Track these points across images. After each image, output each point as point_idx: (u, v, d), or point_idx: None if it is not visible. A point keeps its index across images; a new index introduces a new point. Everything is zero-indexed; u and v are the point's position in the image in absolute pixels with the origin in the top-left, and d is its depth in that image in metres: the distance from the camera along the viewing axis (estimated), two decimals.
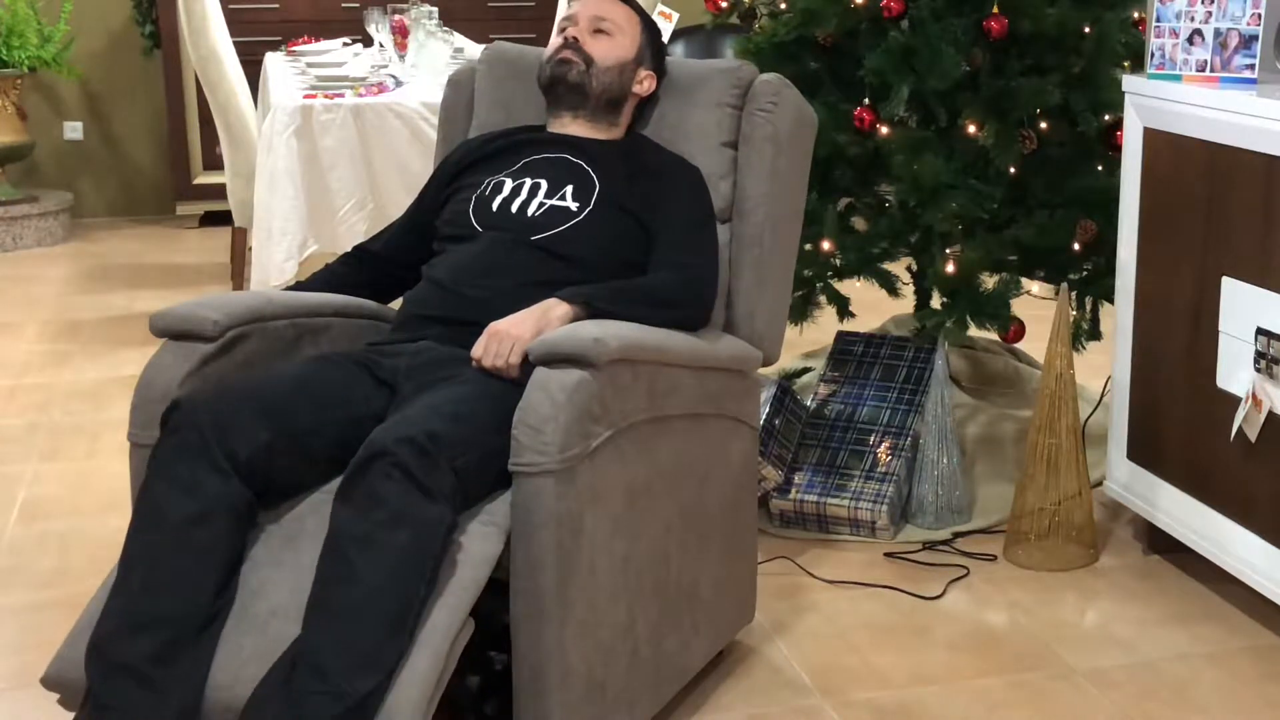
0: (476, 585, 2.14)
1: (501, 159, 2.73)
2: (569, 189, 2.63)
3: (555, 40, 2.77)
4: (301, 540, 2.20)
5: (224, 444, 2.16)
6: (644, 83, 2.78)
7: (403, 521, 2.06)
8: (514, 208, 2.62)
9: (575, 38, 2.72)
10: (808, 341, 3.97)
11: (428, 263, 2.66)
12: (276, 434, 2.21)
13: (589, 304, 2.41)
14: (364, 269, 2.80)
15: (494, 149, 2.77)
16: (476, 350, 2.36)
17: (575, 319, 2.38)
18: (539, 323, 2.36)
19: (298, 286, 2.79)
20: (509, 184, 2.66)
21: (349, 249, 2.90)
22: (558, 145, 2.72)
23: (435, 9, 5.12)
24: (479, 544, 2.16)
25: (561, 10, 2.84)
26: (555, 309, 2.39)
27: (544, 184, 2.64)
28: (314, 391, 2.32)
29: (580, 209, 2.61)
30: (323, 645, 2.02)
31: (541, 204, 2.62)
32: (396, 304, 2.80)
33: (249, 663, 2.08)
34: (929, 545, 3.28)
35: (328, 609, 2.05)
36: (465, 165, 2.77)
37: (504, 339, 2.34)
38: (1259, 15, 2.87)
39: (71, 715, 2.16)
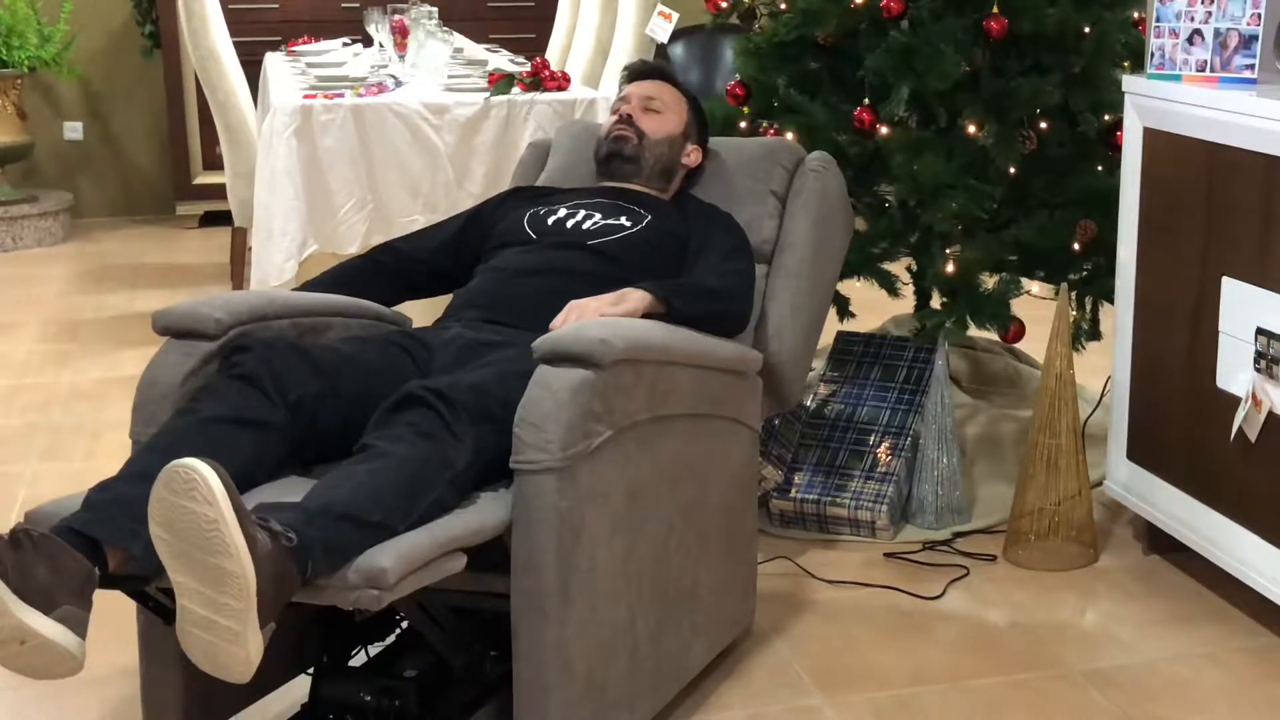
0: (481, 532, 2.14)
1: (554, 196, 2.94)
2: (622, 217, 2.83)
3: (610, 119, 3.03)
4: None
5: (279, 383, 2.25)
6: (691, 155, 3.04)
7: (431, 439, 2.14)
8: (569, 224, 2.82)
9: (629, 114, 3.00)
10: None
11: (478, 265, 2.81)
12: (325, 389, 2.30)
13: (665, 294, 2.55)
14: (385, 268, 2.90)
15: (546, 190, 3.01)
16: (556, 321, 2.45)
17: (650, 306, 2.51)
18: (616, 301, 2.49)
19: (312, 283, 2.82)
20: (564, 209, 2.86)
21: (349, 249, 2.95)
22: (609, 192, 2.93)
23: (435, 9, 5.12)
24: (492, 505, 2.20)
25: (615, 92, 3.12)
26: (633, 291, 2.53)
27: (598, 214, 2.83)
28: (358, 366, 2.39)
29: (633, 226, 2.81)
30: (336, 485, 2.05)
31: (595, 222, 2.81)
32: (400, 307, 2.83)
33: None
34: (929, 545, 3.28)
35: (347, 471, 2.09)
36: (515, 199, 2.98)
37: (584, 310, 2.46)
38: (1259, 15, 2.87)
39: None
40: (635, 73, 3.15)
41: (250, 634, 1.88)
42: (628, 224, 2.81)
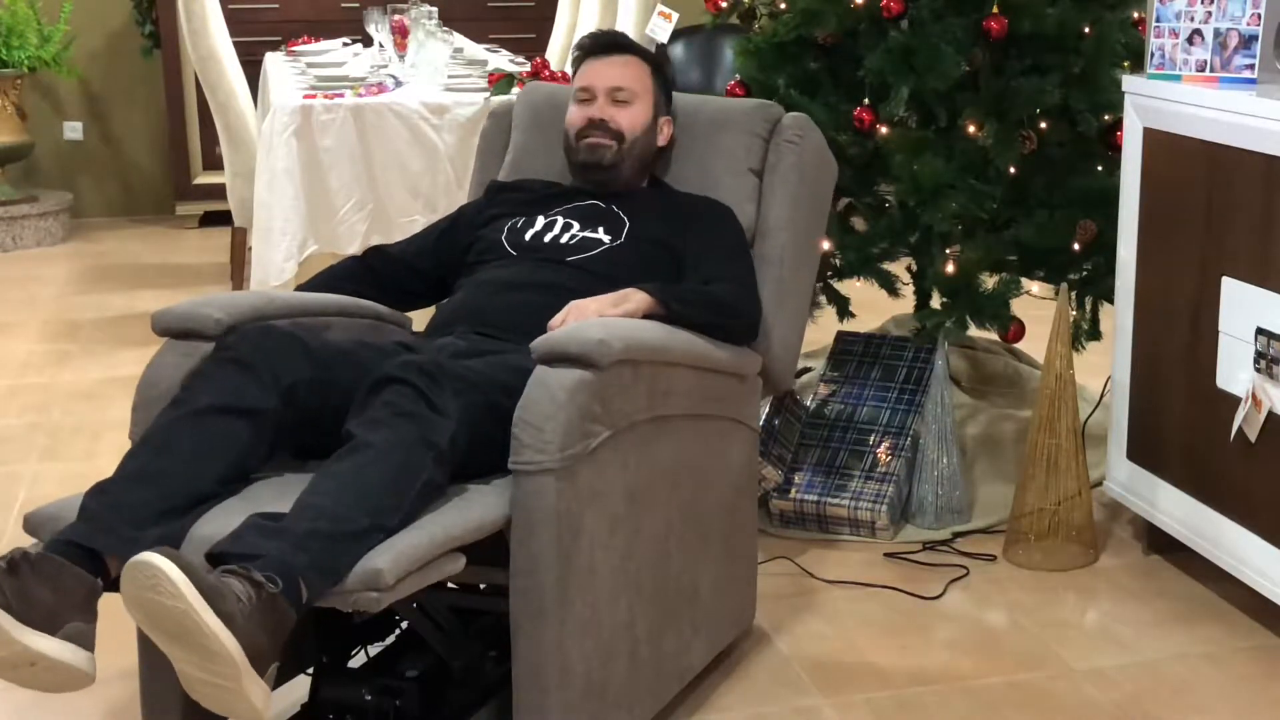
0: (481, 529, 2.13)
1: (531, 206, 2.84)
2: (601, 227, 2.75)
3: (577, 113, 2.84)
4: None
5: (273, 368, 2.22)
6: (664, 131, 2.89)
7: (411, 417, 2.12)
8: (547, 238, 2.75)
9: (601, 118, 2.80)
10: (808, 341, 3.94)
11: (458, 280, 2.76)
12: (319, 376, 2.27)
13: (667, 300, 2.50)
14: (375, 271, 2.86)
15: (522, 198, 2.88)
16: (555, 321, 2.42)
17: (651, 309, 2.47)
18: (617, 302, 2.45)
19: (303, 286, 2.82)
20: (542, 220, 2.78)
21: (349, 249, 2.93)
22: (586, 195, 2.83)
23: (435, 9, 5.12)
24: (491, 500, 2.18)
25: (576, 77, 2.91)
26: (635, 293, 2.48)
27: (576, 224, 2.76)
28: (353, 357, 2.37)
29: (612, 240, 2.73)
30: (321, 492, 2.04)
31: (574, 235, 2.74)
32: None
33: (237, 517, 2.06)
34: (929, 545, 3.28)
35: (330, 472, 2.08)
36: (493, 205, 2.88)
37: (584, 311, 2.42)
38: (1259, 15, 2.87)
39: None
40: (589, 49, 2.87)
41: (252, 687, 1.89)
42: (606, 238, 2.72)
